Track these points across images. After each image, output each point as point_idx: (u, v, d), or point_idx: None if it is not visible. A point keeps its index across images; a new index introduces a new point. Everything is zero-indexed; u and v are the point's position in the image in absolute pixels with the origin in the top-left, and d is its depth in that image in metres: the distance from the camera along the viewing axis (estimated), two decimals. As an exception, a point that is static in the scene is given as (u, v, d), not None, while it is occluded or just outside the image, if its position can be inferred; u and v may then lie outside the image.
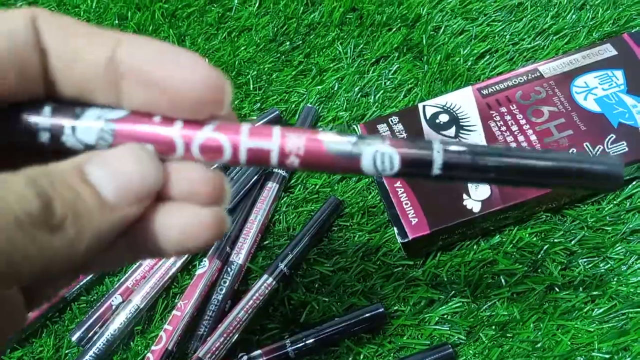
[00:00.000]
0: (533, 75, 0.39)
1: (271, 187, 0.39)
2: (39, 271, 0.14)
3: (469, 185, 0.35)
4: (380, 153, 0.16)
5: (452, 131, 0.37)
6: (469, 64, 0.43)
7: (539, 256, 0.35)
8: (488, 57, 0.44)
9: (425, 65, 0.44)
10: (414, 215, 0.34)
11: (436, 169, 0.16)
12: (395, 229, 0.35)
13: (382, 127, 0.38)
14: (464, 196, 0.35)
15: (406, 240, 0.34)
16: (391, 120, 0.38)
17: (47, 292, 0.17)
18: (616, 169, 0.17)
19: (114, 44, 0.16)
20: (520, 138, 0.36)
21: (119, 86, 0.16)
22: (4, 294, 0.15)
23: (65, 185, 0.14)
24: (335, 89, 0.44)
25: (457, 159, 0.16)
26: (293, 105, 0.44)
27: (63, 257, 0.14)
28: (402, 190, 0.35)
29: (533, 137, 0.36)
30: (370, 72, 0.44)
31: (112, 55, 0.16)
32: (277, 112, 0.42)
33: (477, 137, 0.36)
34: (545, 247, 0.36)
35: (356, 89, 0.43)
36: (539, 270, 0.35)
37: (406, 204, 0.35)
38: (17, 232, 0.13)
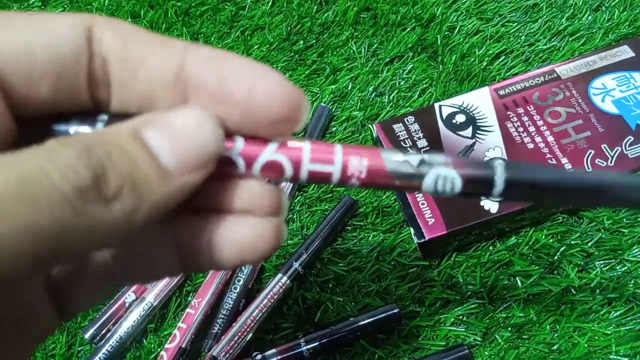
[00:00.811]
0: (550, 77, 0.38)
1: (285, 186, 0.39)
2: (94, 247, 0.13)
3: None
4: (442, 176, 0.16)
5: (468, 131, 0.37)
6: (484, 64, 0.43)
7: (555, 258, 0.35)
8: (503, 57, 0.44)
9: (440, 65, 0.44)
10: (431, 215, 0.34)
11: (497, 191, 0.16)
12: (411, 229, 0.35)
13: (398, 127, 0.38)
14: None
15: (423, 240, 0.34)
16: (407, 119, 0.38)
17: (85, 301, 0.16)
18: None
19: (183, 53, 0.15)
20: (538, 139, 0.36)
21: (187, 98, 0.16)
22: (32, 308, 0.15)
23: (122, 152, 0.13)
24: (349, 88, 0.44)
25: (519, 180, 0.16)
26: (307, 104, 0.43)
27: (119, 230, 0.13)
28: None
29: (550, 139, 0.36)
30: (385, 71, 0.44)
31: (182, 66, 0.15)
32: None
33: (494, 138, 0.36)
34: (562, 248, 0.35)
35: (370, 89, 0.43)
36: (555, 272, 0.35)
37: (422, 204, 0.35)
38: (64, 209, 0.12)
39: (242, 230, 0.16)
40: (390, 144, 0.37)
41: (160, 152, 0.14)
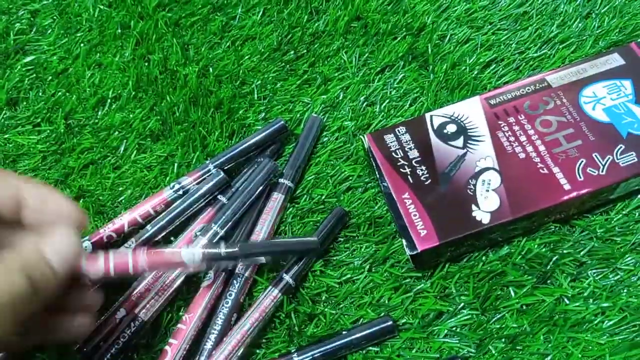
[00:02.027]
0: (541, 85, 0.38)
1: (277, 198, 0.38)
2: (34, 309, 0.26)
3: (478, 195, 0.35)
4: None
5: (460, 142, 0.37)
6: (475, 72, 0.43)
7: (548, 267, 0.35)
8: (494, 66, 0.44)
9: (431, 74, 0.44)
10: (423, 226, 0.34)
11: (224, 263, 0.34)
12: (403, 240, 0.34)
13: (389, 138, 0.38)
14: (473, 207, 0.34)
15: (415, 252, 0.33)
16: (398, 130, 0.38)
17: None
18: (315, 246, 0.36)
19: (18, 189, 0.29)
20: (529, 148, 0.36)
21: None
22: None
23: (40, 266, 0.26)
24: (340, 98, 0.44)
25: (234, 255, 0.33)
26: (298, 115, 0.43)
27: (32, 312, 0.26)
28: (411, 201, 0.35)
29: (542, 148, 0.36)
30: (376, 81, 0.44)
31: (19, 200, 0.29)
32: (282, 122, 0.41)
33: (485, 147, 0.36)
34: (554, 258, 0.35)
35: (361, 98, 0.43)
36: (549, 282, 0.35)
37: (414, 215, 0.34)
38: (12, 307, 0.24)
39: (75, 322, 0.30)
40: (382, 155, 0.37)
41: (56, 264, 0.27)
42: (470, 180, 0.35)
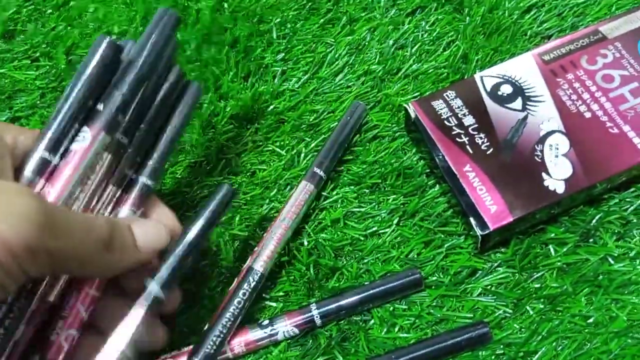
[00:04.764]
0: (595, 37, 0.35)
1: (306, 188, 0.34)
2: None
3: (548, 162, 0.32)
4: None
5: (518, 103, 0.33)
6: (515, 17, 0.40)
7: (592, 225, 0.33)
8: (535, 11, 0.40)
9: (467, 17, 0.40)
10: (492, 201, 0.31)
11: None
12: (471, 219, 0.31)
13: (438, 104, 0.34)
14: (544, 176, 0.31)
15: (486, 231, 0.30)
16: (447, 95, 0.34)
17: None
18: None
19: None
20: (594, 107, 0.33)
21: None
22: None
23: (122, 231, 0.26)
24: (367, 40, 0.40)
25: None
26: (320, 56, 0.40)
27: (107, 269, 0.26)
28: (474, 174, 0.31)
29: (607, 105, 0.33)
30: (406, 23, 0.41)
31: None
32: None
33: (547, 108, 0.33)
34: (599, 215, 0.33)
35: (390, 41, 0.40)
36: (592, 241, 0.32)
37: (480, 189, 0.31)
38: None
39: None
40: (432, 124, 0.33)
41: (137, 236, 0.26)
42: (536, 146, 0.32)
